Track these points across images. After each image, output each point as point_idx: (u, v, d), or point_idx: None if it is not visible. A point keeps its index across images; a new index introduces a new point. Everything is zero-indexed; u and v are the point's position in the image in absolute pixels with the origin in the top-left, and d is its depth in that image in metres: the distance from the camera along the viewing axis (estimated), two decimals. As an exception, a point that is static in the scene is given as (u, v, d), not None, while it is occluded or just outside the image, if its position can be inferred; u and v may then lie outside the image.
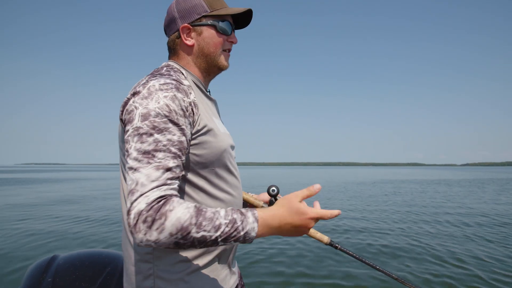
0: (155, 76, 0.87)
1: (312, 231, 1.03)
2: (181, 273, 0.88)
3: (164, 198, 0.74)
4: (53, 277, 1.31)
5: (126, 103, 0.84)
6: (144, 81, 0.86)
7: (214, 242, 0.75)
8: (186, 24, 0.97)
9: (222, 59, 1.01)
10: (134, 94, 0.83)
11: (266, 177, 35.30)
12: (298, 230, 0.83)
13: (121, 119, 0.86)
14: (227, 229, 0.75)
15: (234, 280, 1.02)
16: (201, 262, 0.91)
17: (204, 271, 0.91)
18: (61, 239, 5.95)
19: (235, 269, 1.07)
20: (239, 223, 0.76)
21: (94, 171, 71.79)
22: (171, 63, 1.00)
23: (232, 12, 0.98)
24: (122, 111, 0.85)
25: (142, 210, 0.71)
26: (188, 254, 0.89)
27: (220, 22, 0.98)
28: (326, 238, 1.08)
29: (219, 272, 0.95)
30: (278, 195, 1.01)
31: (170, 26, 1.00)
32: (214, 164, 0.92)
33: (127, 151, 0.78)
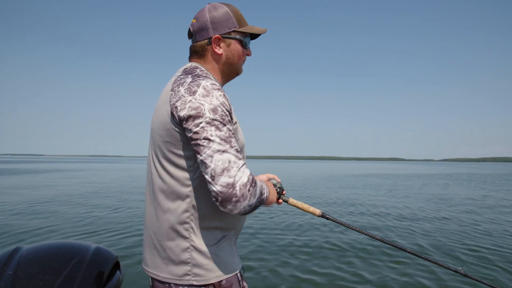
0: (199, 77, 1.04)
1: (305, 206, 1.30)
2: (212, 246, 1.06)
3: (250, 172, 0.97)
4: (14, 270, 1.25)
5: (185, 101, 0.98)
6: (191, 79, 1.03)
7: (265, 200, 1.03)
8: (218, 35, 1.13)
9: (240, 67, 1.23)
10: (192, 93, 0.99)
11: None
12: (272, 189, 1.19)
13: (174, 114, 1.00)
14: (265, 190, 1.03)
15: (239, 256, 1.23)
16: (225, 239, 1.11)
17: (227, 247, 1.11)
18: (28, 231, 5.74)
19: None
20: (263, 185, 1.05)
21: (72, 162, 69.94)
22: (198, 66, 1.14)
23: (255, 32, 1.18)
24: (180, 106, 0.98)
25: (246, 182, 0.92)
26: (217, 232, 1.08)
27: (244, 38, 1.18)
28: (318, 211, 1.32)
29: (234, 248, 1.16)
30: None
31: (200, 33, 1.15)
32: None
33: (207, 138, 0.94)
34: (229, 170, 0.91)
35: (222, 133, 0.95)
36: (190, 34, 1.19)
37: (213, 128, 0.95)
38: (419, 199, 11.04)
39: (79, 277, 1.30)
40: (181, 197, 1.05)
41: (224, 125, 0.97)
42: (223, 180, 0.90)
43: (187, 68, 1.12)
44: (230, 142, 0.95)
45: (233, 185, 0.90)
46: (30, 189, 12.56)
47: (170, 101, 1.02)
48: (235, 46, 1.16)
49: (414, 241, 5.52)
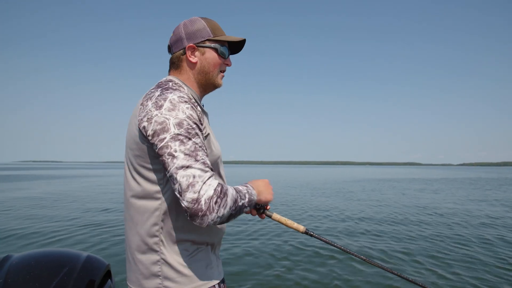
0: (168, 90, 1.05)
1: (289, 222, 1.28)
2: (184, 259, 1.06)
3: (219, 183, 0.97)
4: (4, 278, 1.25)
5: (151, 115, 0.99)
6: (159, 93, 1.04)
7: (244, 207, 1.04)
8: (192, 44, 1.15)
9: (218, 78, 1.20)
10: (158, 107, 1.00)
11: (264, 176, 35.46)
12: (267, 189, 1.18)
13: (142, 128, 1.01)
14: (247, 195, 1.05)
15: (221, 267, 1.20)
16: (200, 251, 1.09)
17: (203, 258, 1.10)
18: (23, 239, 5.64)
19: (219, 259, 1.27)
20: (249, 190, 1.08)
21: (91, 168, 71.50)
22: (173, 78, 1.16)
23: (230, 40, 1.18)
24: (147, 121, 1.00)
25: (212, 195, 0.93)
26: (188, 244, 1.07)
27: (220, 47, 1.17)
28: (302, 228, 1.28)
29: (213, 259, 1.14)
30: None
31: (176, 44, 1.17)
32: None
33: (171, 154, 0.95)
34: (193, 186, 0.92)
35: (187, 147, 0.96)
36: (169, 48, 1.21)
37: (177, 143, 0.96)
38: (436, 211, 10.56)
39: (69, 286, 1.29)
40: (150, 210, 1.05)
41: (190, 139, 0.97)
42: (189, 196, 0.92)
43: (161, 82, 1.14)
44: (195, 156, 0.96)
45: (197, 200, 0.91)
46: (39, 195, 12.78)
47: (138, 116, 1.04)
48: (210, 55, 1.16)
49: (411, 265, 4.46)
